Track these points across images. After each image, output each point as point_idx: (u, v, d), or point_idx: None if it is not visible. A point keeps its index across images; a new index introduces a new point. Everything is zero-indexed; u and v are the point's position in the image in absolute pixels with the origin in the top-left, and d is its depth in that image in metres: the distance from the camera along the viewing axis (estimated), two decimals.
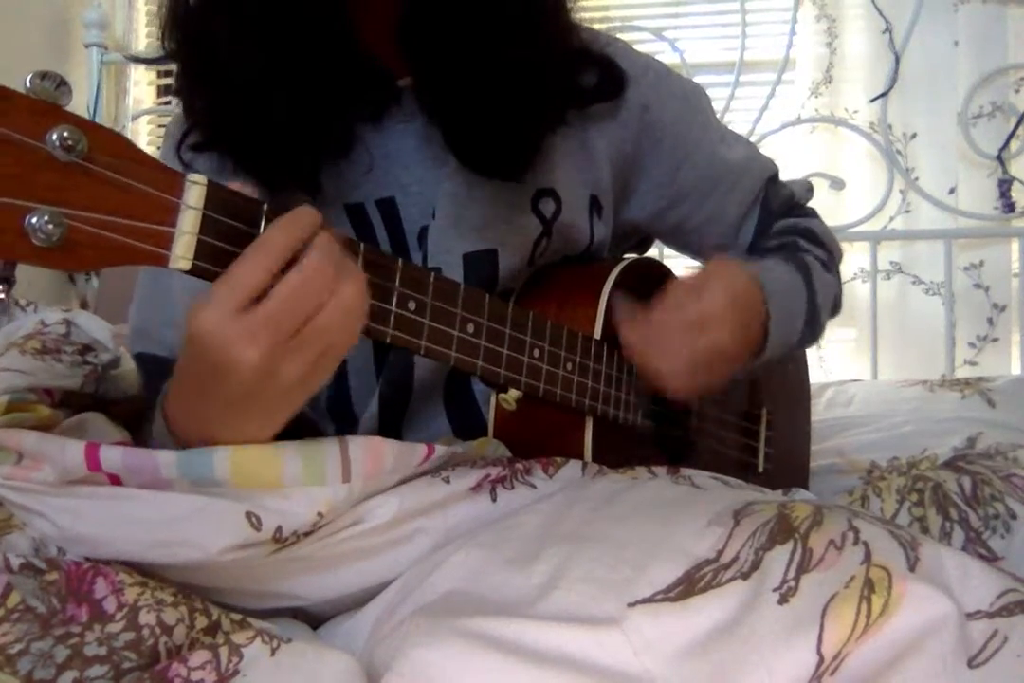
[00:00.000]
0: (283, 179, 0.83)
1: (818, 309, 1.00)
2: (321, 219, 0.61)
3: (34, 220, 0.49)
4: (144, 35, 2.48)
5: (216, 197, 0.56)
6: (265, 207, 0.59)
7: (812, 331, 1.01)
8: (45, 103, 0.50)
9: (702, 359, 0.84)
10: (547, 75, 0.84)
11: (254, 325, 0.57)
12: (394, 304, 0.67)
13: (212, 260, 0.57)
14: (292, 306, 0.57)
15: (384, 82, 0.88)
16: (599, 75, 0.93)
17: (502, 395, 0.84)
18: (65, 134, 0.50)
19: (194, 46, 0.81)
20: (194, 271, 0.57)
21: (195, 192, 0.55)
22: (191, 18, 0.81)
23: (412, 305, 0.68)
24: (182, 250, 0.55)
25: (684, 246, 1.11)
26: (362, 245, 0.65)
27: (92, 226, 0.51)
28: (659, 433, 0.97)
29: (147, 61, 0.91)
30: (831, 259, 1.08)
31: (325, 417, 0.96)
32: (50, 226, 0.49)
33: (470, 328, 0.73)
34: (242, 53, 0.78)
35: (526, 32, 0.82)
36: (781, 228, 1.09)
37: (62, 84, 0.50)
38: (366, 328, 0.65)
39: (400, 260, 0.67)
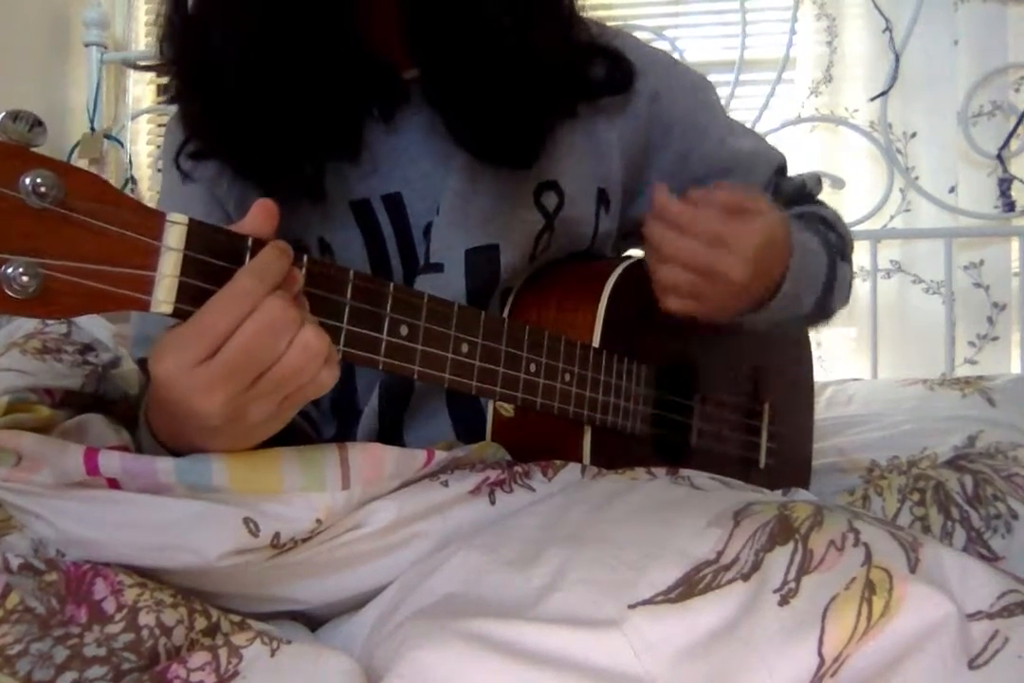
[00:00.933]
0: (286, 185, 0.83)
1: (834, 283, 0.98)
2: (292, 254, 0.59)
3: (8, 271, 0.47)
4: (144, 34, 2.48)
5: (197, 236, 0.55)
6: (249, 242, 0.58)
7: (823, 304, 0.98)
8: (17, 146, 0.48)
9: (707, 275, 0.80)
10: (553, 62, 0.84)
11: (213, 376, 0.56)
12: (385, 331, 0.66)
13: (194, 302, 0.56)
14: (249, 356, 0.56)
15: (391, 78, 0.88)
16: (608, 68, 0.93)
17: (499, 402, 0.84)
18: (39, 180, 0.48)
19: (194, 54, 0.81)
20: (176, 314, 0.55)
21: (175, 232, 0.54)
22: (190, 26, 0.81)
23: (404, 330, 0.67)
24: (163, 294, 0.54)
25: None
26: (351, 272, 0.63)
27: (69, 275, 0.49)
28: (659, 437, 0.97)
29: (146, 68, 0.91)
30: (844, 245, 1.06)
31: (327, 416, 0.96)
32: (25, 278, 0.47)
33: (464, 348, 0.72)
34: (245, 59, 0.77)
35: (531, 20, 0.81)
36: (795, 214, 1.07)
37: (36, 124, 0.48)
38: (356, 358, 0.64)
39: (391, 284, 0.66)
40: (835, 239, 1.04)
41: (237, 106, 0.80)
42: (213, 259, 0.56)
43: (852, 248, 1.11)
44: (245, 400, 0.58)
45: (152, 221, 0.53)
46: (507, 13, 0.79)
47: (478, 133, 0.84)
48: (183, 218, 0.54)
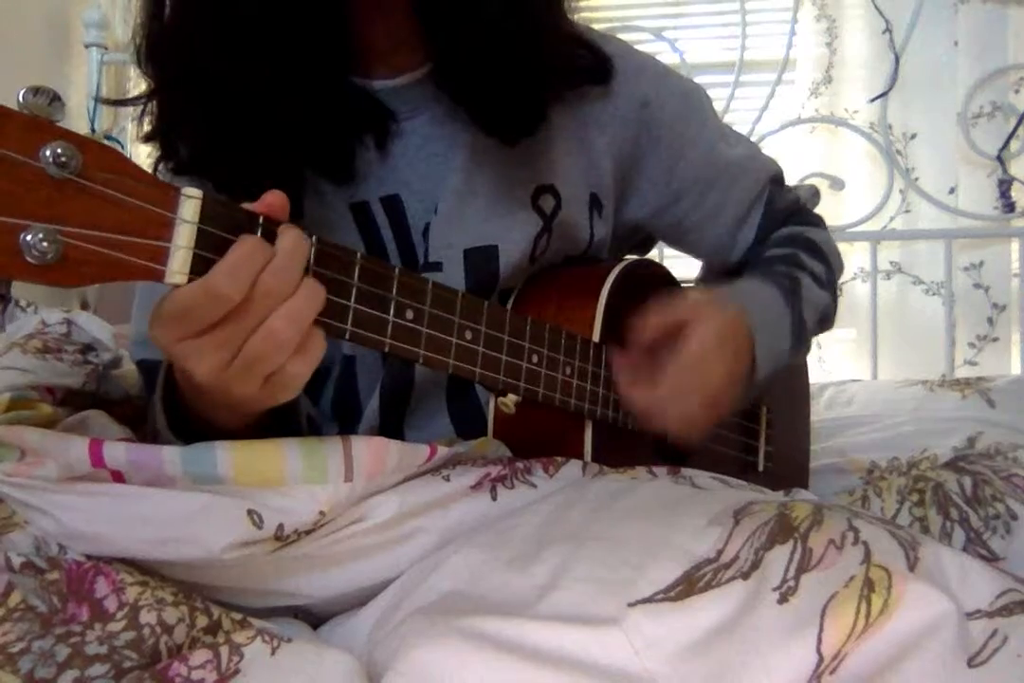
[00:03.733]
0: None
1: (804, 330, 1.00)
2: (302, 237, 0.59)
3: (28, 238, 0.48)
4: None
5: (211, 210, 0.56)
6: (261, 219, 0.58)
7: (798, 348, 1.01)
8: (38, 119, 0.49)
9: (703, 407, 0.85)
10: (552, 44, 0.85)
11: (202, 345, 0.57)
12: (391, 313, 0.66)
13: None
14: (232, 331, 0.57)
15: (384, 113, 0.88)
16: (590, 59, 0.93)
17: (501, 398, 0.84)
18: (59, 150, 0.49)
19: (177, 75, 0.80)
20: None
21: (190, 206, 0.55)
22: (168, 44, 0.79)
23: (410, 314, 0.67)
24: (178, 265, 0.55)
25: (683, 244, 1.10)
26: (358, 254, 0.64)
27: (87, 243, 0.51)
28: (658, 437, 0.97)
29: (121, 103, 0.90)
30: (829, 273, 1.07)
31: (328, 416, 0.96)
32: (44, 244, 0.48)
33: (468, 335, 0.73)
34: (234, 75, 0.76)
35: (535, 8, 0.82)
36: (784, 236, 1.08)
37: (55, 99, 0.49)
38: (363, 339, 0.64)
39: (397, 269, 0.67)
40: (820, 268, 1.05)
41: (222, 136, 0.79)
42: (225, 233, 0.57)
43: (841, 267, 1.13)
44: (228, 374, 0.58)
45: (168, 194, 0.54)
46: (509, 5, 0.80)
47: (494, 113, 0.85)
48: (198, 192, 0.55)
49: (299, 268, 0.58)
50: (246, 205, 0.60)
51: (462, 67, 0.83)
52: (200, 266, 0.56)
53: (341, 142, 0.86)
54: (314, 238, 0.61)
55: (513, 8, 0.80)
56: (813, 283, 1.03)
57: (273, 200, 0.60)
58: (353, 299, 0.63)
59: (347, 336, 0.63)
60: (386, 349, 0.66)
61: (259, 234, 0.58)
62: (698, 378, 0.84)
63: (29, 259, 0.49)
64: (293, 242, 0.58)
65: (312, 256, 0.60)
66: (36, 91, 0.49)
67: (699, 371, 0.84)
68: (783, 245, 1.07)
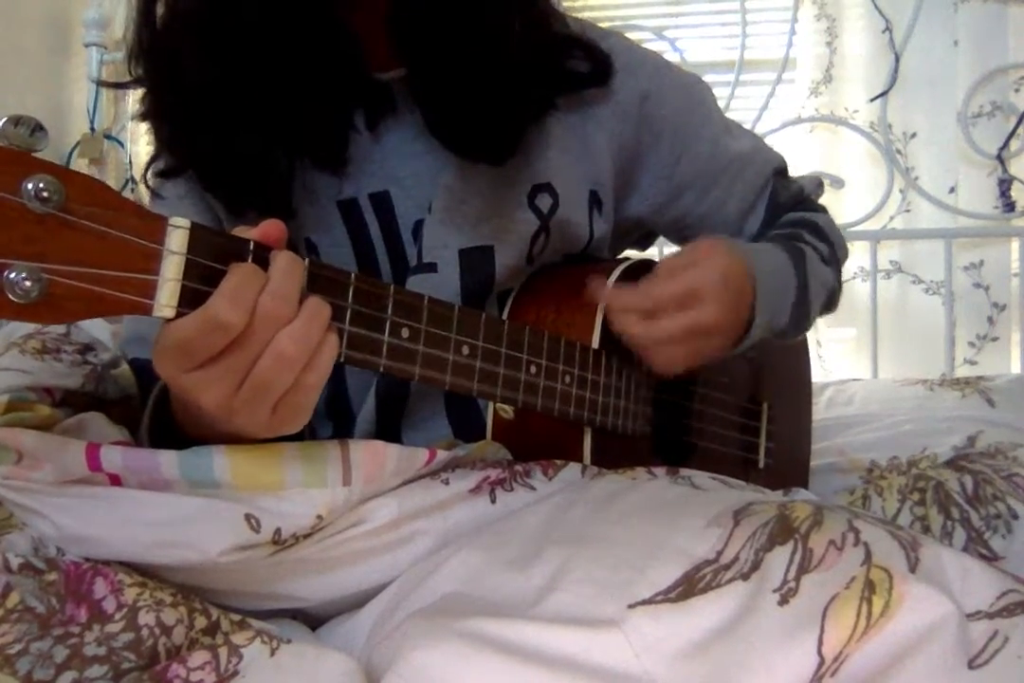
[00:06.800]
0: (257, 205, 0.82)
1: (808, 297, 0.97)
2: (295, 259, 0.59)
3: (11, 276, 0.47)
4: None
5: (200, 240, 0.54)
6: (252, 246, 0.58)
7: (799, 319, 0.97)
8: (18, 151, 0.47)
9: (691, 334, 0.80)
10: (533, 55, 0.84)
11: (208, 374, 0.57)
12: (386, 333, 0.65)
13: (196, 306, 0.55)
14: (237, 358, 0.56)
15: (374, 87, 0.88)
16: (587, 60, 0.92)
17: (499, 404, 0.83)
18: (41, 184, 0.47)
19: (165, 73, 0.80)
20: (178, 318, 0.55)
21: (178, 237, 0.53)
22: (160, 42, 0.80)
23: (405, 333, 0.66)
24: (166, 298, 0.53)
25: (686, 240, 1.09)
26: (352, 275, 0.63)
27: (72, 279, 0.49)
28: (658, 438, 0.97)
29: (118, 85, 0.91)
30: (832, 253, 1.05)
31: (322, 416, 0.95)
32: (28, 282, 0.47)
33: (465, 350, 0.71)
34: (219, 76, 0.77)
35: (511, 13, 0.82)
36: (787, 220, 1.08)
37: (37, 129, 0.48)
38: (358, 361, 0.63)
39: (392, 287, 0.65)
40: (824, 247, 1.03)
41: (212, 125, 0.79)
42: (215, 263, 0.56)
43: (846, 253, 1.12)
44: (234, 405, 0.58)
45: (154, 225, 0.53)
46: (490, 8, 0.80)
47: (462, 130, 0.84)
48: (185, 222, 0.54)
49: (296, 289, 0.58)
50: (238, 230, 0.59)
51: (430, 72, 0.83)
52: (188, 298, 0.54)
53: (332, 122, 0.85)
54: (307, 261, 0.60)
55: (483, 15, 0.80)
56: (816, 255, 1.01)
57: (269, 230, 0.59)
58: (347, 321, 0.62)
59: (342, 359, 0.62)
60: (381, 369, 0.65)
61: (250, 261, 0.57)
62: (688, 303, 0.80)
63: (12, 298, 0.47)
64: (287, 264, 0.58)
65: (304, 280, 0.59)
66: (17, 121, 0.47)
67: (690, 296, 0.80)
68: (786, 227, 1.05)
